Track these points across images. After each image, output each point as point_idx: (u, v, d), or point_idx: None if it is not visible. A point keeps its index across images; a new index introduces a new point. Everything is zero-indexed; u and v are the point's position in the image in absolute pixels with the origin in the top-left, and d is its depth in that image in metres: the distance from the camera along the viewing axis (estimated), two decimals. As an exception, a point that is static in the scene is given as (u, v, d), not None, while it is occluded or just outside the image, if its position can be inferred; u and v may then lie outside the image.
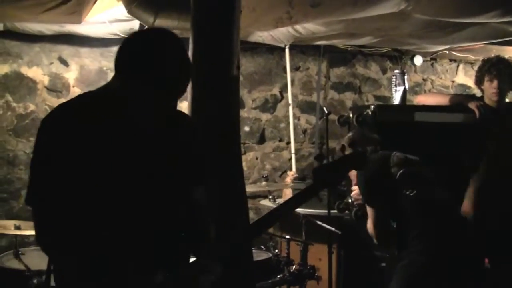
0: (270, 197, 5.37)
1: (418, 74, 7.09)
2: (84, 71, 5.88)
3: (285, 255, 4.25)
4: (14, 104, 5.70)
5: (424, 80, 7.14)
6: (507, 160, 4.04)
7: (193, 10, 3.40)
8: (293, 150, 6.27)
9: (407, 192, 3.31)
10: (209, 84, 3.33)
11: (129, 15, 4.62)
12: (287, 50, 6.18)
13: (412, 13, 4.55)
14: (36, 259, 3.86)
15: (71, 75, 5.86)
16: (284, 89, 6.43)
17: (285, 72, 6.30)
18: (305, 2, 4.33)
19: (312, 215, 4.49)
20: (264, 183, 5.13)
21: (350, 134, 3.63)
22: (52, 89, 5.80)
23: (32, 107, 5.73)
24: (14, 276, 3.96)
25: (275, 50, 6.38)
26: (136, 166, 2.12)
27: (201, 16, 3.38)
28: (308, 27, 5.30)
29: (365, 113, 4.15)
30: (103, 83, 2.26)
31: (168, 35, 2.17)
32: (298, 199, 2.33)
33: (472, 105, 4.13)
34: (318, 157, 2.41)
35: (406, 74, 5.23)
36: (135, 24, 5.08)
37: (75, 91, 5.72)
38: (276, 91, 6.51)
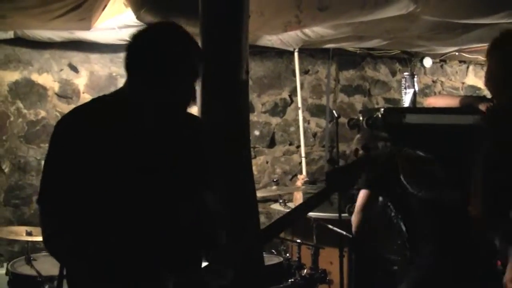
0: (281, 201, 5.35)
1: (427, 76, 7.07)
2: (94, 77, 5.90)
3: (296, 259, 4.24)
4: (25, 111, 5.73)
5: (433, 82, 7.12)
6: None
7: (202, 15, 3.41)
8: (303, 154, 6.26)
9: (416, 192, 3.30)
10: (218, 89, 3.33)
11: (138, 21, 4.64)
12: (296, 54, 6.17)
13: (421, 15, 4.54)
14: (48, 265, 3.87)
15: (81, 81, 5.88)
16: (293, 92, 6.43)
17: (294, 76, 6.30)
18: (313, 6, 4.33)
19: (323, 218, 4.49)
20: (274, 187, 5.13)
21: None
22: (62, 96, 5.82)
23: (42, 113, 5.76)
24: (26, 282, 3.98)
25: (284, 54, 6.38)
26: (147, 170, 2.12)
27: (209, 21, 3.39)
28: (316, 31, 5.30)
29: (375, 115, 4.14)
30: (113, 88, 2.28)
31: (174, 31, 2.17)
32: (311, 202, 2.33)
33: (482, 107, 4.10)
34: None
35: (415, 76, 5.21)
36: (144, 30, 5.10)
37: (85, 97, 5.74)
38: (285, 95, 6.50)
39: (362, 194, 3.43)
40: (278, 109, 6.48)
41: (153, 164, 2.14)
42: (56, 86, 5.82)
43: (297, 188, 5.80)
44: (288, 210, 4.82)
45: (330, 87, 6.62)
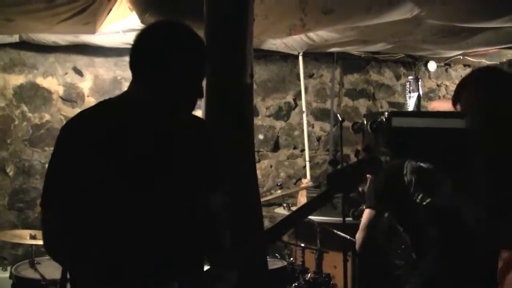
0: (285, 205, 5.35)
1: (432, 80, 7.06)
2: (98, 80, 5.91)
3: (300, 263, 4.24)
4: (29, 114, 5.74)
5: (438, 85, 7.11)
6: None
7: (206, 18, 3.41)
8: (307, 158, 6.26)
9: (420, 200, 3.29)
10: (223, 92, 3.33)
11: (143, 25, 4.64)
12: (300, 58, 6.18)
13: (425, 19, 4.54)
14: (52, 269, 3.87)
15: (85, 84, 5.89)
16: (298, 96, 6.43)
17: (299, 80, 6.30)
18: (318, 9, 4.33)
19: (327, 223, 4.48)
20: (279, 190, 5.13)
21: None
22: (67, 99, 5.84)
23: (47, 117, 5.77)
24: (29, 286, 3.98)
25: (288, 58, 6.38)
26: (151, 173, 2.12)
27: (214, 24, 3.39)
28: (321, 34, 5.30)
29: (379, 119, 4.13)
30: (117, 92, 2.28)
31: (177, 29, 2.17)
32: (313, 204, 2.32)
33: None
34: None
35: (420, 80, 5.21)
36: (148, 34, 5.11)
37: (90, 101, 5.76)
38: (290, 98, 6.50)
39: (367, 212, 3.44)
40: (282, 113, 6.48)
41: (158, 166, 2.13)
42: (60, 90, 5.83)
43: (302, 189, 5.80)
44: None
45: (334, 91, 6.61)
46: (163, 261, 2.13)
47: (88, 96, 5.87)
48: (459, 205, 3.35)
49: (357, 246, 3.46)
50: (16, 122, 5.71)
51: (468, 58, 6.67)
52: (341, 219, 4.27)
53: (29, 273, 4.04)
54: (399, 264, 4.34)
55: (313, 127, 6.56)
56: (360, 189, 3.78)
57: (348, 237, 4.09)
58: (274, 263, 4.26)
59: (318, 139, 6.58)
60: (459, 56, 6.61)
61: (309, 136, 6.32)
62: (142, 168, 2.10)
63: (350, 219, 4.23)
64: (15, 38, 5.44)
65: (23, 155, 5.71)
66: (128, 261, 2.08)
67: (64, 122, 2.34)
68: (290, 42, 5.71)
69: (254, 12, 3.54)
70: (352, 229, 4.23)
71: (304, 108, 6.27)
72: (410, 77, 5.30)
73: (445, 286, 3.15)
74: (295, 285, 4.05)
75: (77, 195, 2.05)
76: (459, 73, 7.17)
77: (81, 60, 5.87)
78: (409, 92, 5.15)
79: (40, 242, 4.12)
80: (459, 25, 4.75)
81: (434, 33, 5.19)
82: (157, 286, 2.10)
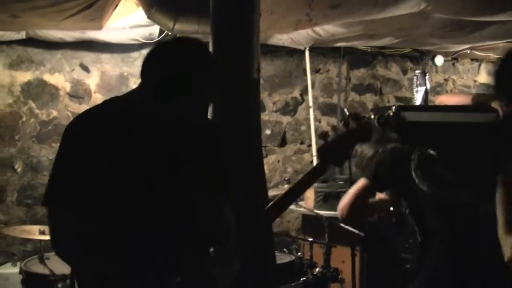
0: (292, 199, 5.34)
1: (439, 74, 7.04)
2: (105, 76, 5.92)
3: (308, 257, 4.24)
4: (37, 111, 5.76)
5: (445, 80, 7.09)
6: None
7: (213, 14, 3.41)
8: (314, 153, 6.24)
9: (427, 191, 3.28)
10: (230, 88, 3.33)
11: (149, 20, 4.65)
12: (307, 53, 6.16)
13: (432, 13, 4.52)
14: (61, 264, 3.86)
15: (92, 81, 5.90)
16: (304, 91, 6.43)
17: (305, 75, 6.29)
18: (324, 4, 4.32)
19: (335, 217, 4.47)
20: (286, 186, 5.12)
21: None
22: (74, 95, 5.85)
23: (54, 113, 5.79)
24: (39, 281, 4.00)
25: (295, 53, 6.37)
26: (159, 174, 2.12)
27: (220, 20, 3.39)
28: (327, 29, 5.29)
29: (386, 114, 4.12)
30: (124, 88, 2.28)
31: (193, 43, 2.18)
32: (308, 179, 2.31)
33: (496, 105, 4.07)
34: (322, 135, 2.36)
35: (427, 74, 5.19)
36: (155, 29, 5.11)
37: (97, 97, 5.77)
38: (296, 93, 6.50)
39: (362, 182, 3.36)
40: (289, 108, 6.48)
41: (162, 166, 2.13)
42: (67, 86, 5.84)
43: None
44: (300, 209, 4.82)
45: (341, 85, 6.61)
46: (166, 259, 2.13)
47: (95, 92, 5.88)
48: (464, 199, 3.35)
49: (340, 212, 3.34)
50: (24, 119, 5.73)
51: (476, 52, 6.64)
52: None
53: (38, 269, 4.06)
54: (407, 258, 4.34)
55: (320, 122, 6.55)
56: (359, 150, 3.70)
57: (357, 231, 4.09)
58: (282, 258, 4.27)
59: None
60: (466, 50, 6.58)
61: (316, 131, 6.30)
62: (146, 167, 2.10)
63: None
64: (22, 35, 5.45)
65: (31, 151, 5.74)
66: (132, 258, 2.09)
67: (72, 118, 2.34)
68: (296, 37, 5.70)
69: (261, 7, 3.54)
70: (361, 224, 4.24)
71: (311, 103, 6.25)
72: (417, 71, 5.28)
73: (454, 280, 3.14)
74: (303, 280, 4.05)
75: (82, 194, 2.06)
76: (466, 67, 7.15)
77: (87, 57, 5.88)
78: (417, 86, 5.13)
79: (49, 237, 4.14)
80: (466, 18, 4.73)
81: (441, 27, 5.17)
82: (160, 282, 2.10)
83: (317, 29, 5.28)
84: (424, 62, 6.87)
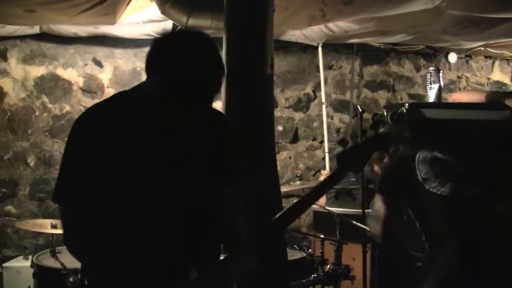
0: (304, 196, 5.33)
1: (452, 72, 7.00)
2: (118, 71, 5.94)
3: (319, 254, 4.23)
4: (50, 105, 5.79)
5: (458, 77, 7.05)
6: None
7: (227, 10, 3.41)
8: (326, 149, 6.23)
9: (436, 190, 3.27)
10: (243, 83, 3.33)
11: (163, 16, 4.65)
12: (320, 49, 6.15)
13: (446, 9, 4.49)
14: (72, 258, 3.88)
15: (105, 76, 5.92)
16: (317, 88, 6.41)
17: (318, 71, 6.27)
18: (338, 0, 4.31)
19: (347, 214, 4.46)
20: (298, 182, 5.12)
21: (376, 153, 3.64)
22: (86, 90, 5.87)
23: (67, 108, 5.81)
24: (50, 274, 4.01)
25: (307, 49, 6.36)
26: (168, 167, 2.12)
27: (234, 15, 3.39)
28: (341, 25, 5.27)
29: (399, 111, 4.11)
30: (136, 83, 2.26)
31: (197, 35, 2.16)
32: (326, 184, 2.33)
33: (509, 102, 4.05)
34: (341, 141, 2.38)
35: (441, 71, 5.16)
36: (168, 25, 5.11)
37: (109, 92, 5.78)
38: (309, 90, 6.48)
39: (382, 200, 3.43)
40: (302, 104, 6.47)
41: (174, 160, 2.13)
42: (80, 81, 5.86)
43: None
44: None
45: (354, 82, 6.58)
46: (179, 251, 2.13)
47: (107, 87, 5.90)
48: (474, 194, 3.33)
49: (377, 238, 3.44)
50: (37, 113, 5.76)
51: (489, 49, 6.59)
52: (361, 210, 4.26)
53: (50, 262, 4.07)
54: (418, 256, 4.32)
55: (332, 118, 6.54)
56: (375, 167, 3.74)
57: (368, 228, 4.08)
58: (293, 254, 4.26)
59: (337, 130, 6.56)
60: (480, 48, 6.53)
61: (328, 127, 6.29)
62: (155, 161, 2.10)
63: (370, 210, 4.21)
64: (35, 30, 5.48)
65: (43, 145, 5.77)
66: (145, 253, 2.09)
67: (84, 113, 2.33)
68: (309, 33, 5.69)
69: (274, 2, 3.53)
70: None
71: (323, 100, 6.24)
72: (431, 68, 5.25)
73: (470, 276, 3.13)
74: (314, 276, 4.04)
75: (92, 189, 2.05)
76: (480, 64, 7.11)
77: (100, 51, 5.90)
78: (430, 83, 5.10)
79: (61, 232, 4.15)
80: (480, 15, 4.70)
81: (455, 24, 5.14)
82: (174, 275, 2.10)
83: (330, 25, 5.27)
84: (437, 59, 6.83)
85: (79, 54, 5.85)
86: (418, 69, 6.86)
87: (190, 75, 2.04)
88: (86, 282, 2.30)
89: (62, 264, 3.89)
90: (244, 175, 2.58)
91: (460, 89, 6.95)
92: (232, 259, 2.21)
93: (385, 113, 4.30)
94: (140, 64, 5.90)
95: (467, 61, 7.09)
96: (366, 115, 4.72)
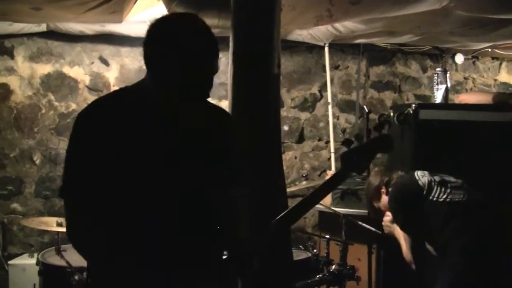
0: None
1: (459, 73, 6.98)
2: (124, 70, 5.94)
3: (325, 254, 4.22)
4: (56, 103, 5.79)
5: (465, 78, 7.02)
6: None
7: (234, 8, 3.40)
8: (332, 150, 6.22)
9: (439, 198, 3.26)
10: (250, 83, 3.32)
11: (169, 14, 4.64)
12: (326, 49, 6.13)
13: (454, 10, 4.48)
14: (78, 256, 3.88)
15: (111, 74, 5.92)
16: (323, 88, 6.40)
17: (324, 71, 6.26)
18: (345, 0, 4.30)
19: (352, 215, 4.45)
20: (304, 182, 5.11)
21: (376, 168, 3.70)
22: (93, 88, 5.87)
23: (73, 106, 5.82)
24: (56, 272, 4.02)
25: (314, 49, 6.35)
26: (170, 160, 2.11)
27: (241, 14, 3.38)
28: (347, 25, 5.26)
29: (406, 111, 4.10)
30: (143, 82, 2.27)
31: (189, 17, 2.16)
32: (329, 184, 2.34)
33: (516, 104, 4.04)
34: (345, 142, 2.39)
35: (448, 72, 5.14)
36: (175, 23, 5.10)
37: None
38: (315, 90, 6.47)
39: (404, 238, 3.49)
40: (308, 104, 6.46)
41: (175, 154, 2.13)
42: (87, 79, 5.87)
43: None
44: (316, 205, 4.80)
45: (360, 82, 6.57)
46: (181, 246, 2.13)
47: (114, 86, 5.90)
48: (477, 198, 3.32)
49: (413, 266, 3.51)
50: (43, 111, 5.76)
51: (497, 50, 6.56)
52: (366, 211, 4.25)
53: (55, 260, 4.08)
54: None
55: (338, 118, 6.52)
56: (376, 205, 3.75)
57: (373, 229, 4.07)
58: (298, 255, 4.26)
59: (343, 131, 6.55)
60: (487, 49, 6.50)
61: (334, 127, 6.28)
62: (157, 154, 2.10)
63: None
64: (42, 28, 5.48)
65: (49, 143, 5.77)
66: (147, 247, 2.09)
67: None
68: (316, 33, 5.68)
69: (282, 2, 3.52)
70: (377, 221, 4.21)
71: (329, 100, 6.23)
72: (438, 69, 5.22)
73: (479, 278, 3.12)
74: (319, 277, 4.03)
75: (96, 185, 2.06)
76: (487, 65, 7.08)
77: (107, 50, 5.90)
78: (437, 84, 5.08)
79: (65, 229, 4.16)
80: (488, 16, 4.68)
81: (462, 25, 5.12)
82: (176, 273, 2.10)
83: (337, 25, 5.26)
84: (444, 60, 6.81)
85: (86, 52, 5.85)
86: (424, 69, 6.84)
87: (186, 58, 2.04)
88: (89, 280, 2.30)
89: (67, 262, 3.90)
90: (250, 174, 2.57)
91: (466, 90, 6.93)
92: (236, 258, 2.21)
93: (391, 114, 4.30)
94: (147, 63, 5.88)
95: (474, 62, 7.06)
96: (372, 116, 4.72)
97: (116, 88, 5.74)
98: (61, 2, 4.22)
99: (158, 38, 2.10)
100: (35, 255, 4.73)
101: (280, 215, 2.25)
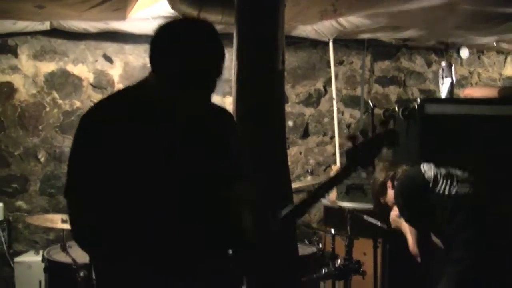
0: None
1: (464, 67, 6.96)
2: (128, 67, 5.94)
3: (330, 249, 4.21)
4: (60, 101, 5.80)
5: (470, 73, 7.00)
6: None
7: (237, 4, 3.39)
8: (337, 145, 6.21)
9: (445, 191, 3.25)
10: (254, 79, 3.31)
11: (172, 11, 4.64)
12: (330, 44, 6.12)
13: (459, 4, 4.46)
14: (83, 253, 3.86)
15: (115, 71, 5.92)
16: (327, 83, 6.39)
17: (329, 67, 6.25)
18: (349, -6, 4.29)
19: (357, 209, 4.45)
20: (309, 177, 5.10)
21: (381, 164, 3.69)
22: (97, 86, 5.88)
23: (77, 104, 5.82)
24: (61, 269, 4.02)
25: (318, 45, 6.34)
26: (174, 162, 2.12)
27: (245, 10, 3.37)
28: (352, 20, 5.25)
29: (411, 106, 4.08)
30: (146, 79, 2.26)
31: (198, 22, 2.16)
32: (335, 180, 2.34)
33: (522, 97, 4.01)
34: (351, 137, 2.39)
35: (453, 66, 5.11)
36: (178, 20, 5.09)
37: (120, 88, 5.76)
38: (319, 85, 6.46)
39: (410, 232, 3.49)
40: (312, 100, 6.45)
41: (182, 155, 2.13)
42: (91, 77, 5.87)
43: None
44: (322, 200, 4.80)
45: (364, 78, 6.56)
46: (184, 242, 2.13)
47: (118, 83, 5.90)
48: (487, 193, 3.31)
49: (418, 259, 3.50)
50: (47, 109, 5.77)
51: (502, 44, 6.54)
52: (371, 205, 4.24)
53: (60, 257, 4.08)
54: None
55: (342, 114, 6.52)
56: (382, 201, 3.74)
57: (379, 223, 4.06)
58: (304, 249, 4.25)
59: (348, 126, 6.54)
60: (492, 43, 6.48)
61: (339, 123, 6.27)
62: (163, 158, 2.10)
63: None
64: (46, 26, 5.48)
65: (54, 141, 5.78)
66: (152, 247, 2.09)
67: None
68: (320, 29, 5.67)
69: (285, -3, 3.52)
70: (382, 215, 4.20)
71: (334, 95, 6.22)
72: (443, 63, 5.19)
73: (486, 273, 3.10)
74: (324, 271, 4.03)
75: (100, 185, 2.06)
76: (492, 60, 7.06)
77: (111, 47, 5.90)
78: (442, 78, 5.05)
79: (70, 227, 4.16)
80: (494, 10, 4.65)
81: (467, 19, 5.10)
82: (182, 270, 2.10)
83: (341, 20, 5.24)
84: (449, 54, 6.79)
85: (89, 50, 5.85)
86: (429, 64, 6.82)
87: (193, 61, 2.04)
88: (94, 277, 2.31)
89: (72, 259, 3.90)
90: (255, 170, 2.56)
91: (472, 85, 6.90)
92: (242, 254, 2.20)
93: (396, 109, 4.27)
94: (151, 60, 5.88)
95: (479, 57, 7.04)
96: (377, 111, 4.68)
97: (121, 85, 5.78)
98: (64, 0, 4.23)
99: (165, 42, 2.10)
100: (41, 252, 4.73)
101: (286, 210, 2.25)
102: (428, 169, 3.37)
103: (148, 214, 2.09)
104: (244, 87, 3.34)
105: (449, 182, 3.29)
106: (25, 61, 5.72)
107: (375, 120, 4.25)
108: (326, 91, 6.45)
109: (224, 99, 5.42)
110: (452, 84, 5.11)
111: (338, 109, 6.29)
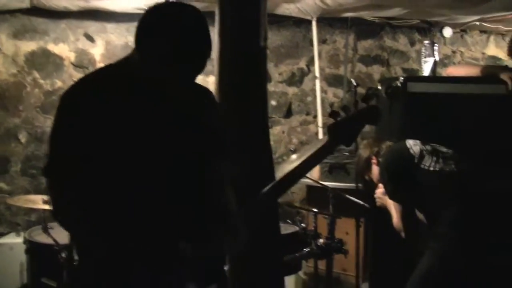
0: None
1: (447, 46, 6.95)
2: (110, 46, 5.88)
3: (312, 228, 4.22)
4: (41, 81, 5.74)
5: (453, 52, 7.00)
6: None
7: (219, -19, 3.35)
8: (320, 124, 6.21)
9: (430, 167, 3.26)
10: (236, 57, 3.28)
11: (154, -11, 4.58)
12: (314, 23, 6.09)
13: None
14: (64, 234, 3.86)
15: (97, 51, 5.86)
16: (311, 62, 6.37)
17: (312, 45, 6.23)
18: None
19: (340, 188, 4.45)
20: (293, 156, 5.09)
21: (365, 141, 3.68)
22: (78, 65, 5.82)
23: (59, 83, 5.76)
24: (43, 250, 4.02)
25: (301, 23, 6.30)
26: (155, 141, 2.10)
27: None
28: (335, -2, 5.22)
29: (394, 85, 4.07)
30: (128, 58, 2.24)
31: (187, 8, 2.15)
32: (316, 157, 2.32)
33: (504, 76, 4.02)
34: (332, 113, 2.38)
35: (436, 44, 5.11)
36: (160, -2, 5.04)
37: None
38: (302, 64, 6.44)
39: (395, 208, 3.49)
40: (295, 79, 6.43)
41: (163, 135, 2.11)
42: (72, 56, 5.81)
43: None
44: (304, 179, 4.80)
45: (348, 57, 6.54)
46: (165, 226, 2.12)
47: (99, 62, 5.84)
48: (468, 170, 3.32)
49: (402, 235, 3.51)
50: (28, 89, 5.71)
51: (485, 24, 6.53)
52: (354, 184, 4.25)
53: (42, 238, 4.07)
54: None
55: (326, 93, 6.50)
56: (367, 177, 3.75)
57: (361, 202, 4.07)
58: (286, 228, 4.26)
59: (331, 105, 6.52)
60: (475, 22, 6.47)
61: (322, 102, 6.26)
62: (144, 137, 2.08)
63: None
64: (25, 4, 5.40)
65: (35, 121, 5.73)
66: (130, 226, 2.08)
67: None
68: (303, 7, 5.63)
69: (268, -27, 3.48)
70: (365, 195, 4.22)
71: (317, 74, 6.20)
72: (426, 42, 5.19)
73: (466, 253, 3.13)
74: (307, 250, 4.04)
75: (79, 164, 2.05)
76: (475, 39, 7.06)
77: (92, 26, 5.84)
78: (425, 57, 5.05)
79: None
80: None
81: (450, -3, 5.09)
82: (162, 248, 2.10)
83: (325, -2, 5.22)
84: (432, 33, 6.78)
85: (71, 29, 5.79)
86: (412, 43, 6.81)
87: (180, 48, 2.04)
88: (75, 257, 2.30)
89: (54, 240, 3.89)
90: (237, 150, 2.55)
91: (454, 64, 6.91)
92: (223, 233, 2.20)
93: (379, 87, 4.27)
94: (133, 39, 5.82)
95: (462, 36, 7.04)
96: (360, 90, 4.68)
97: (102, 64, 5.72)
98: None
99: (153, 23, 2.09)
100: (22, 233, 4.71)
101: (267, 187, 2.24)
102: (413, 145, 3.38)
103: (128, 192, 2.08)
104: (226, 65, 3.30)
105: (434, 158, 3.30)
106: (5, 40, 5.65)
107: (358, 99, 4.25)
108: (309, 70, 6.43)
109: (207, 78, 5.38)
110: (435, 63, 5.12)
111: (321, 88, 6.28)
